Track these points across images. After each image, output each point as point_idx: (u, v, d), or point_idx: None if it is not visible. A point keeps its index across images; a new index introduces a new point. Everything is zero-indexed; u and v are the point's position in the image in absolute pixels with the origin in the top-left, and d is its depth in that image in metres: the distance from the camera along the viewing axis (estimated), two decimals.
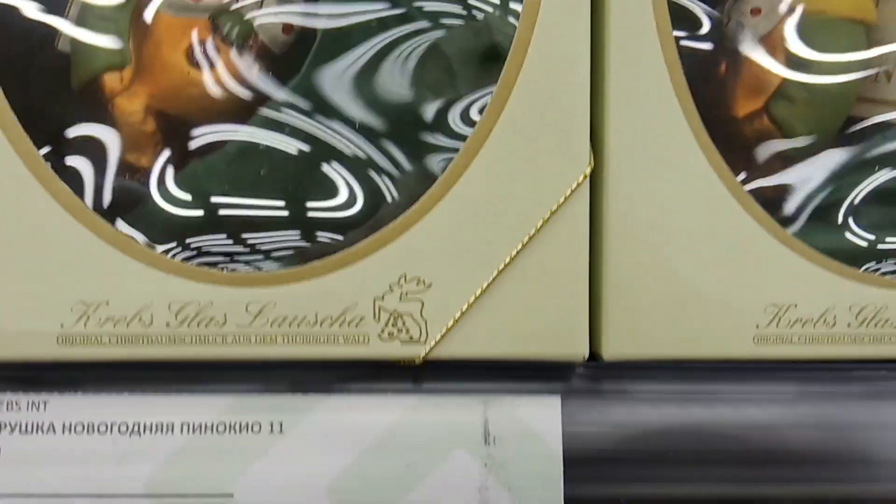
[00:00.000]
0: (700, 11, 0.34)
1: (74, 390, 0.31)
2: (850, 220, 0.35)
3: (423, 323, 0.31)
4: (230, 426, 0.31)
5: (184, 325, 0.30)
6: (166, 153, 0.33)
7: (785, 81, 0.35)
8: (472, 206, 0.31)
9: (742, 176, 0.34)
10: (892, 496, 0.32)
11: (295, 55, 0.33)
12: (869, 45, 0.35)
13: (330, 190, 0.33)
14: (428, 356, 0.31)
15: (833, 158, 0.35)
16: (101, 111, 0.32)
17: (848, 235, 0.35)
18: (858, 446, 0.32)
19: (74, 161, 0.32)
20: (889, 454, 0.32)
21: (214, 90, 0.32)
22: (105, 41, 0.32)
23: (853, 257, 0.33)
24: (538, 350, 0.31)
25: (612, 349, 0.32)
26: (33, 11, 0.32)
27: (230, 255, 0.32)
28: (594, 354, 0.32)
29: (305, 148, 0.32)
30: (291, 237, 0.33)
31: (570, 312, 0.31)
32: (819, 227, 0.34)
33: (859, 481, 0.32)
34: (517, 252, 0.31)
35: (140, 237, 0.31)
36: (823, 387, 0.33)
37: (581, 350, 0.31)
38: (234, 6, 0.32)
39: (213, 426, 0.31)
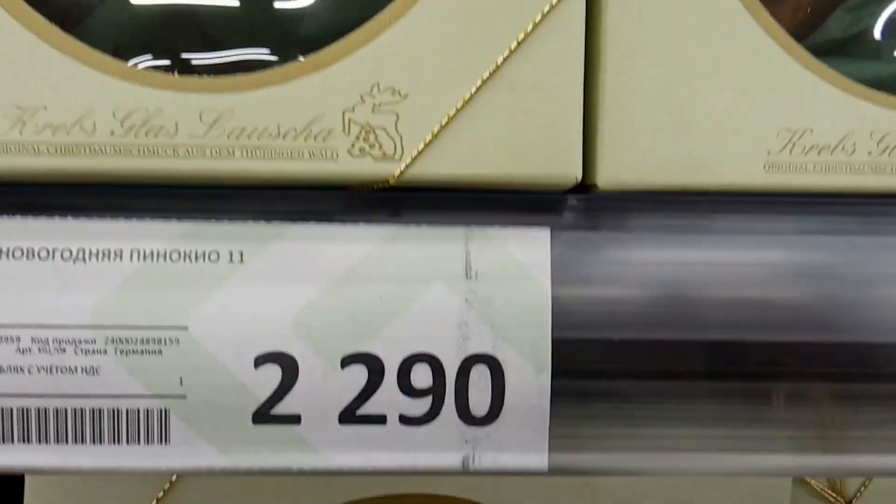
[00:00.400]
0: None
1: (12, 212, 0.28)
2: (874, 47, 0.32)
3: (397, 138, 0.28)
4: (185, 254, 0.28)
5: (130, 133, 0.27)
6: None
7: None
8: (454, 8, 0.28)
9: None
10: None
11: None
12: None
13: None
14: (403, 175, 0.28)
15: None
16: None
17: (871, 62, 0.31)
18: (869, 293, 0.29)
19: None
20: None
21: None
22: None
23: (877, 84, 0.30)
24: (525, 171, 0.28)
25: (608, 176, 0.29)
26: None
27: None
28: (588, 185, 0.29)
29: None
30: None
31: (561, 129, 0.28)
32: (841, 54, 0.31)
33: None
34: (504, 60, 0.28)
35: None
36: (838, 223, 0.30)
37: (573, 172, 0.28)
38: None
39: (165, 254, 0.28)
